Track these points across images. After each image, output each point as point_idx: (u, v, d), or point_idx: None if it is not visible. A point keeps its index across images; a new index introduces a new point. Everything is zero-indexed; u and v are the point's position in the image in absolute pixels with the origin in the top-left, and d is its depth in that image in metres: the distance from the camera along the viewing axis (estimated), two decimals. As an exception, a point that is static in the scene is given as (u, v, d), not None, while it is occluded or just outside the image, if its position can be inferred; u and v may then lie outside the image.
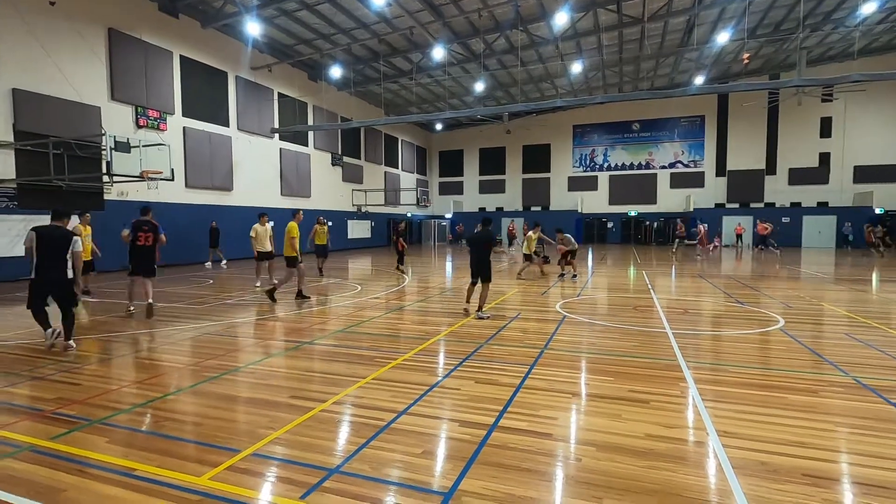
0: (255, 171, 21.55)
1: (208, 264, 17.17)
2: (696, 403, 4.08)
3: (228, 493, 2.71)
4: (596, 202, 36.05)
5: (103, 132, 12.75)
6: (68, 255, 5.82)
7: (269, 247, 11.88)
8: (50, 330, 5.90)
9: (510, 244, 27.70)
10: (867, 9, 19.74)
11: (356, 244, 29.56)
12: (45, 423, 3.72)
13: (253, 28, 17.75)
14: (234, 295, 10.58)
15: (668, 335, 6.61)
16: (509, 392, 4.36)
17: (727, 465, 3.01)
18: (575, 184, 36.60)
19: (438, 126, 38.34)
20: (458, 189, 40.20)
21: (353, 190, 29.33)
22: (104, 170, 12.36)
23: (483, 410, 3.92)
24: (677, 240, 25.28)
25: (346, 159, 28.63)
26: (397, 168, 35.17)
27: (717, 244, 29.68)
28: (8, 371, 5.07)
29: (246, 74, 20.85)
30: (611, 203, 35.86)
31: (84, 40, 14.56)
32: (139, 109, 16.20)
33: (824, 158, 30.62)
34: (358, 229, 30.03)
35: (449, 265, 18.84)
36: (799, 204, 31.15)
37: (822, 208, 30.59)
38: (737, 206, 32.46)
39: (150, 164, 12.85)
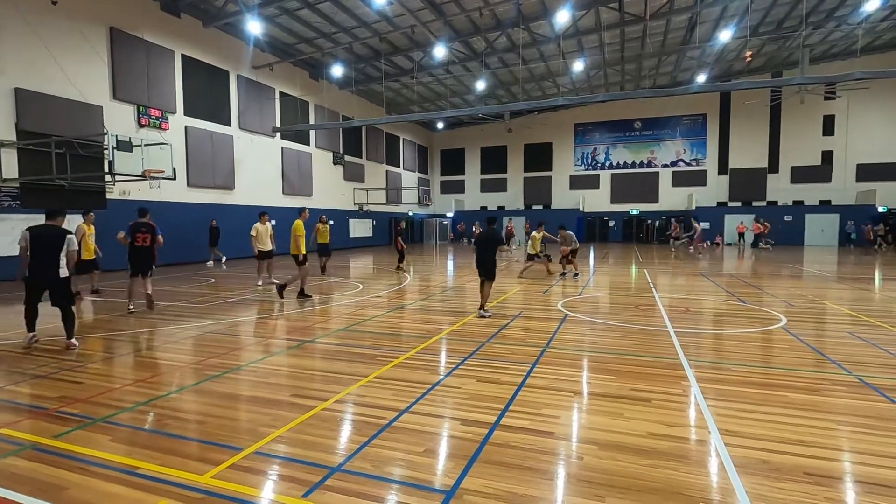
0: (257, 170, 21.57)
1: (210, 263, 17.21)
2: (698, 402, 4.08)
3: (231, 491, 2.71)
4: (598, 201, 35.99)
5: (105, 131, 12.77)
6: (63, 254, 5.83)
7: (269, 246, 11.90)
8: (31, 334, 5.97)
9: (507, 243, 27.68)
10: (870, 6, 19.63)
11: (358, 243, 29.58)
12: (48, 421, 3.73)
13: (254, 27, 17.75)
14: (235, 294, 10.60)
15: (670, 333, 6.60)
16: (511, 390, 4.36)
17: (729, 463, 3.01)
18: (577, 182, 36.54)
19: (440, 125, 38.32)
20: (459, 188, 40.18)
21: (354, 189, 29.34)
22: (106, 169, 12.38)
23: (485, 409, 3.92)
24: (672, 239, 25.30)
25: (347, 158, 28.64)
26: (399, 167, 35.16)
27: (718, 242, 29.61)
28: (11, 369, 5.09)
29: (247, 73, 20.86)
30: (612, 202, 35.79)
31: (86, 40, 14.58)
32: (141, 108, 16.23)
33: (827, 157, 30.51)
34: (359, 228, 30.05)
35: (450, 264, 18.84)
36: (801, 202, 31.06)
37: (825, 206, 30.49)
38: (739, 204, 32.38)
39: (152, 163, 12.87)
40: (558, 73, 27.98)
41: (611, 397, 4.19)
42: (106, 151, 12.28)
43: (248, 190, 20.94)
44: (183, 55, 17.82)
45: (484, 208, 38.81)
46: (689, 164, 33.85)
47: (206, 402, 4.14)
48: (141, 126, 16.13)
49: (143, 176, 12.64)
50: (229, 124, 20.12)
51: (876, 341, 6.15)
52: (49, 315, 6.40)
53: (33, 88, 13.22)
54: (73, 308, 6.04)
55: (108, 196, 15.14)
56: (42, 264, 5.73)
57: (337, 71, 23.26)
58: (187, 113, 18.11)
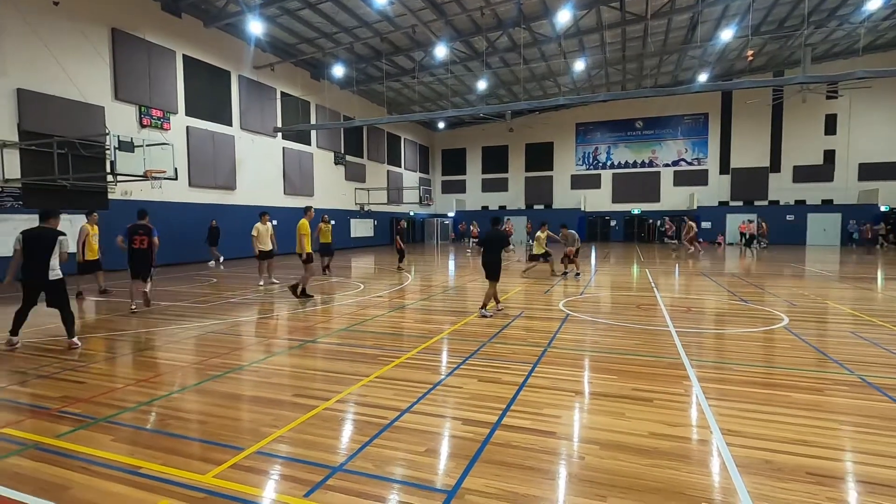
0: (258, 170, 21.59)
1: (212, 263, 17.22)
2: (700, 402, 4.07)
3: (233, 490, 2.72)
4: (599, 200, 35.96)
5: (107, 132, 12.79)
6: (54, 256, 5.83)
7: (270, 245, 11.91)
8: (15, 337, 5.93)
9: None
10: (872, 5, 19.58)
11: (359, 243, 29.59)
12: (51, 421, 3.74)
13: (255, 27, 17.77)
14: (237, 293, 10.61)
15: (672, 333, 6.59)
16: (512, 390, 4.36)
17: (731, 463, 3.01)
18: (578, 182, 36.51)
19: (441, 124, 38.31)
20: (460, 187, 40.17)
21: (355, 189, 29.36)
22: (108, 169, 12.40)
23: (486, 409, 3.92)
24: (666, 238, 25.26)
25: (348, 158, 28.65)
26: (400, 167, 35.17)
27: (719, 242, 29.55)
28: (14, 369, 5.10)
29: (249, 73, 20.88)
30: (614, 201, 35.75)
31: (87, 40, 14.61)
32: (143, 109, 16.25)
33: (829, 156, 30.44)
34: (361, 228, 30.06)
35: (451, 264, 18.84)
36: (803, 202, 30.99)
37: (827, 206, 30.43)
38: (740, 203, 32.32)
39: (154, 163, 12.88)
40: (559, 73, 27.96)
41: (612, 397, 4.19)
42: (108, 152, 12.30)
43: (250, 190, 20.96)
44: (184, 55, 17.84)
45: (485, 208, 38.80)
46: (690, 164, 33.80)
47: (207, 402, 4.15)
48: (142, 126, 16.16)
49: (145, 176, 12.66)
50: (231, 124, 20.14)
51: (878, 341, 6.14)
52: (50, 315, 6.41)
53: (35, 89, 13.25)
54: (72, 307, 6.05)
55: (110, 196, 15.17)
56: (35, 266, 5.75)
57: (338, 71, 23.27)
58: (189, 113, 18.14)
